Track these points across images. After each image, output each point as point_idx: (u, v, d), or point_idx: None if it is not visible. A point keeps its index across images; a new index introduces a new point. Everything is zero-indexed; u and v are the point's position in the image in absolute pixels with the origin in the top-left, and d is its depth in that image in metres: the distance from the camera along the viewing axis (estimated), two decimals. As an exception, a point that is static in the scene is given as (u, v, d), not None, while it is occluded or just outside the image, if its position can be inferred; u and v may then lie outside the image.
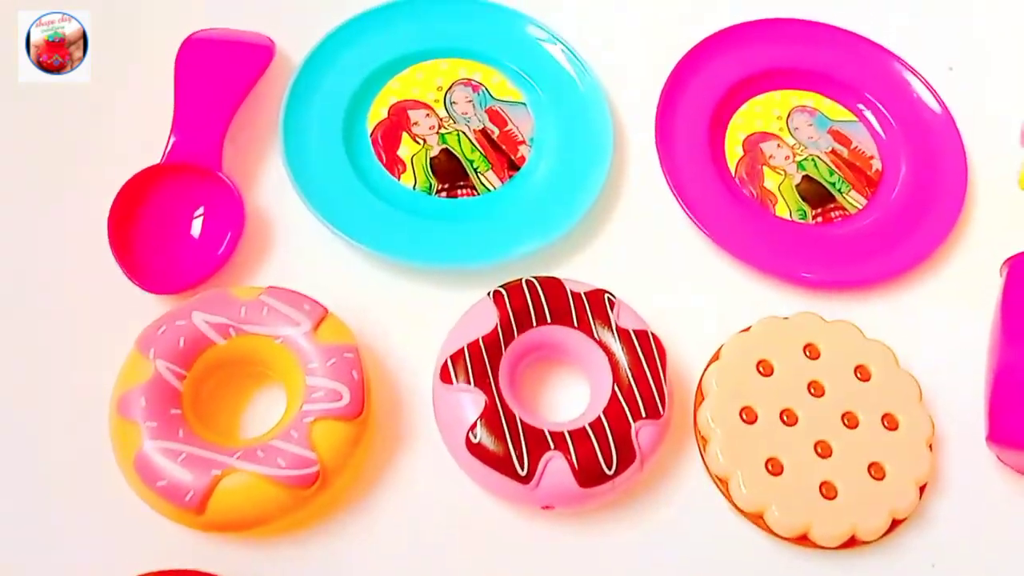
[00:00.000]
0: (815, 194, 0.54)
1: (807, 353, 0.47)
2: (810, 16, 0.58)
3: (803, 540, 0.44)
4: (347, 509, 0.42)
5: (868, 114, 0.56)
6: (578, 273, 0.49)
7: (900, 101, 0.56)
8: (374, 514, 0.43)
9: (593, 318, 0.44)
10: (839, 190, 0.54)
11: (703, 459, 0.45)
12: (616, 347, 0.44)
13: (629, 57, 0.56)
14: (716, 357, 0.48)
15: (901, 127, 0.55)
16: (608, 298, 0.45)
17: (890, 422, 0.46)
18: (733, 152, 0.54)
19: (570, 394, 0.46)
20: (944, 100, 0.56)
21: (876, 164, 0.55)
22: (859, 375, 0.47)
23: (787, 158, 0.54)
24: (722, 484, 0.45)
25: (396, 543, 0.43)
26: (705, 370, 0.47)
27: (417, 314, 0.47)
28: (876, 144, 0.55)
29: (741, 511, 0.44)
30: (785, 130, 0.55)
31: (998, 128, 0.55)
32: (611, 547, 0.44)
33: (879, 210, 0.53)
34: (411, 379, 0.45)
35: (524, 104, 0.53)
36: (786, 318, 0.48)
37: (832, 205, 0.53)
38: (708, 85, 0.55)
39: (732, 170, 0.54)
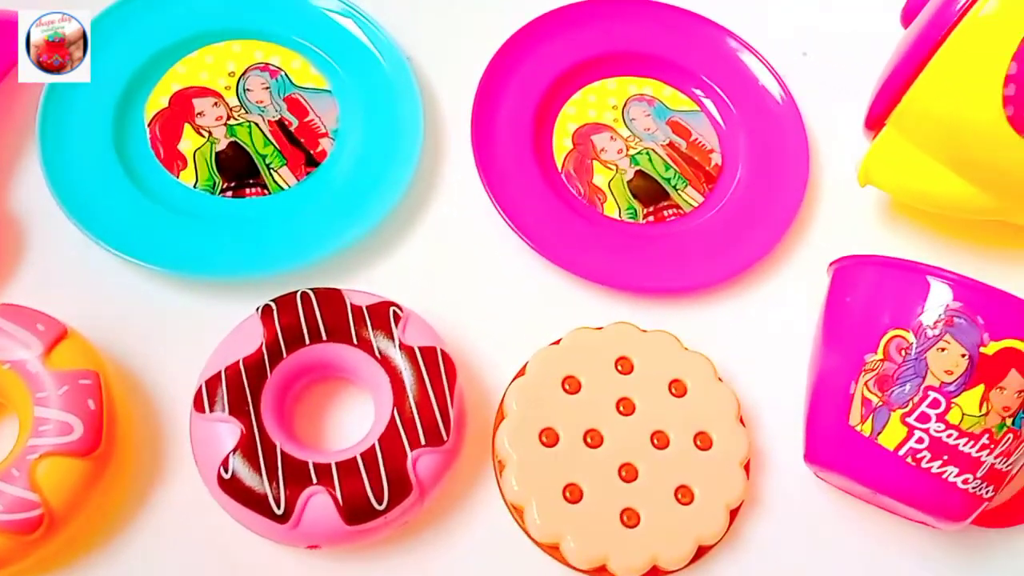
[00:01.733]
0: (648, 191, 0.51)
1: (619, 368, 0.45)
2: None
3: (602, 572, 0.42)
4: (91, 554, 0.39)
5: (709, 103, 0.53)
6: (381, 283, 0.47)
7: (743, 89, 0.54)
8: (122, 558, 0.40)
9: (375, 334, 0.42)
10: (674, 186, 0.51)
11: (499, 486, 0.44)
12: (401, 366, 0.41)
13: (449, 40, 0.53)
14: (521, 373, 0.45)
15: (743, 117, 0.53)
16: (394, 311, 0.42)
17: (703, 441, 0.44)
18: (562, 145, 0.51)
19: (356, 419, 0.43)
20: (791, 88, 0.54)
21: (716, 158, 0.52)
22: (673, 390, 0.45)
23: (620, 152, 0.52)
24: (517, 513, 0.43)
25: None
26: (507, 388, 0.45)
27: (189, 332, 0.44)
28: (717, 136, 0.53)
29: (536, 542, 0.42)
30: (620, 121, 0.52)
31: (847, 118, 0.53)
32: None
33: (715, 208, 0.51)
34: (174, 407, 0.42)
35: (329, 92, 0.50)
36: (599, 329, 0.46)
37: (666, 203, 0.51)
38: (535, 71, 0.52)
39: (559, 165, 0.51)
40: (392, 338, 0.42)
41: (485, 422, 0.45)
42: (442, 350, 0.42)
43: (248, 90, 0.49)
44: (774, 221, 0.51)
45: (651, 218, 0.50)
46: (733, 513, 0.44)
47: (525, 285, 0.49)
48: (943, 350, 0.39)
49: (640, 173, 0.52)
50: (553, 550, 0.42)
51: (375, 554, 0.42)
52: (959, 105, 0.44)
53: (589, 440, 0.43)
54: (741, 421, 0.45)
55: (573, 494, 0.42)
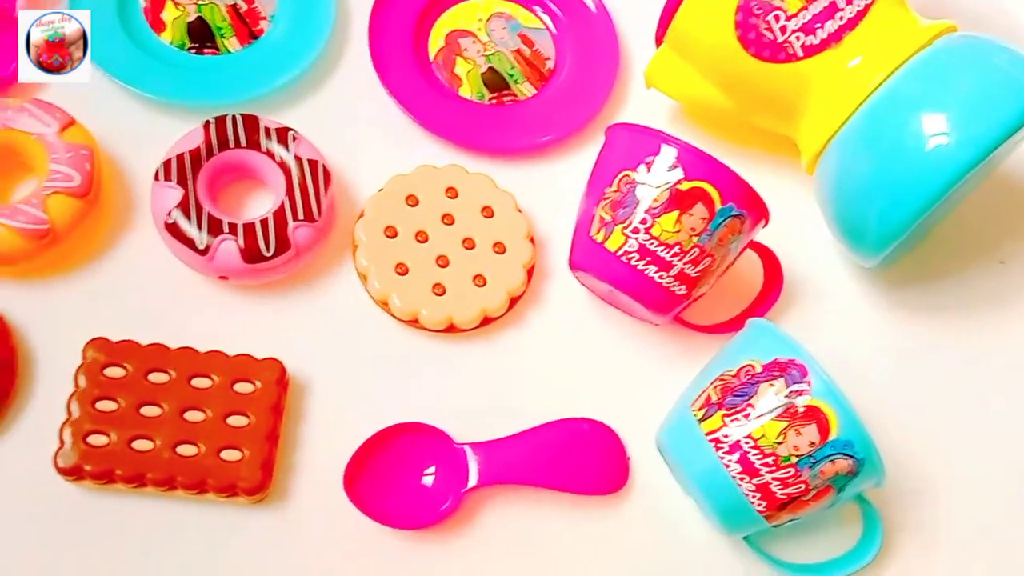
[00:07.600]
0: (494, 82, 0.76)
1: (448, 194, 0.70)
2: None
3: (415, 323, 0.67)
4: (76, 269, 0.66)
5: (549, 21, 0.79)
6: (304, 118, 0.72)
7: (576, 11, 0.79)
8: (96, 277, 0.66)
9: (277, 147, 0.67)
10: (515, 80, 0.77)
11: (354, 260, 0.69)
12: (293, 170, 0.67)
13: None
14: (381, 190, 0.71)
15: (573, 34, 0.78)
16: (292, 134, 0.67)
17: (499, 248, 0.69)
18: (436, 43, 0.77)
19: (260, 201, 0.69)
20: (620, 8, 0.79)
21: (550, 64, 0.78)
22: (485, 213, 0.70)
23: (479, 52, 0.77)
24: (363, 279, 0.68)
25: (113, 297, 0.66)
26: (368, 199, 0.70)
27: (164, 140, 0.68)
28: (555, 48, 0.79)
29: (373, 298, 0.68)
30: (483, 30, 0.78)
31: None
32: (273, 313, 0.67)
33: (542, 98, 0.76)
34: (143, 177, 0.68)
35: (270, -13, 0.76)
36: (438, 167, 0.71)
37: (507, 92, 0.76)
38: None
39: (431, 57, 0.77)
40: (288, 150, 0.67)
41: (352, 219, 0.70)
42: (323, 164, 0.67)
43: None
44: (584, 109, 0.76)
45: (494, 101, 0.76)
46: (514, 300, 0.69)
47: (396, 136, 0.74)
48: (653, 185, 0.64)
49: (491, 69, 0.77)
50: (384, 305, 0.68)
51: (267, 290, 0.67)
52: (706, 29, 0.68)
53: (419, 237, 0.69)
54: (531, 241, 0.70)
55: (401, 269, 0.67)
